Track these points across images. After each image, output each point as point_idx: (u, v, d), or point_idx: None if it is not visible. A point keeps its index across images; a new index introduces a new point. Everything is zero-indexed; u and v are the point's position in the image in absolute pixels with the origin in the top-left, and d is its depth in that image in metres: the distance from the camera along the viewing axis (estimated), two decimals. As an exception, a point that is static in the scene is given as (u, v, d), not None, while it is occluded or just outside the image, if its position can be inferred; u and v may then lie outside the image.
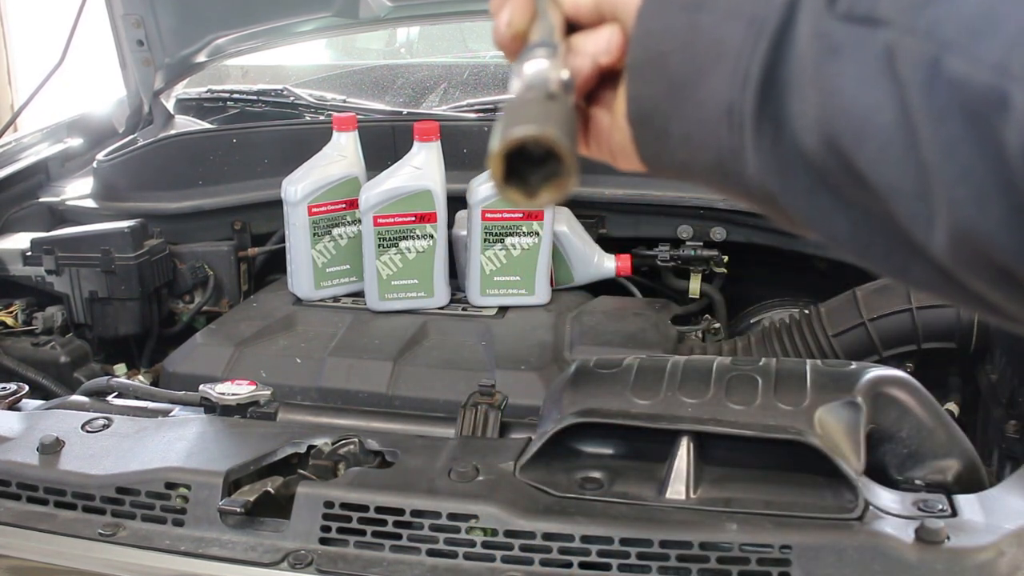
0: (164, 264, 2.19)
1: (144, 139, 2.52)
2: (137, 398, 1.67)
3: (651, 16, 0.67)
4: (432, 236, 1.97)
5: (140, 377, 1.92)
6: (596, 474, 1.26)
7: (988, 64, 0.50)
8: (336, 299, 2.07)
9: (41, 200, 2.43)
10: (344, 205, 2.03)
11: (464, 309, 2.02)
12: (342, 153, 2.04)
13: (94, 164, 2.45)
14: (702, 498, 1.20)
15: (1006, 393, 1.62)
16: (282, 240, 2.19)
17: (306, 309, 2.03)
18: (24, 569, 1.27)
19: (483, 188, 1.96)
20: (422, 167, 1.95)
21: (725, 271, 2.20)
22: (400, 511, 1.20)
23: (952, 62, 0.52)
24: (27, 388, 1.63)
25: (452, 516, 1.19)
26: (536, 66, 0.66)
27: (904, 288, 1.82)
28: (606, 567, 1.13)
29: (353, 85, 3.01)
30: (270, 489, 1.27)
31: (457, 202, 2.03)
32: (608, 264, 2.13)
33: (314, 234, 2.02)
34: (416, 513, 1.20)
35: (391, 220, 1.94)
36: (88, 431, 1.42)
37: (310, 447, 1.35)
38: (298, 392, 1.77)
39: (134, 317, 2.14)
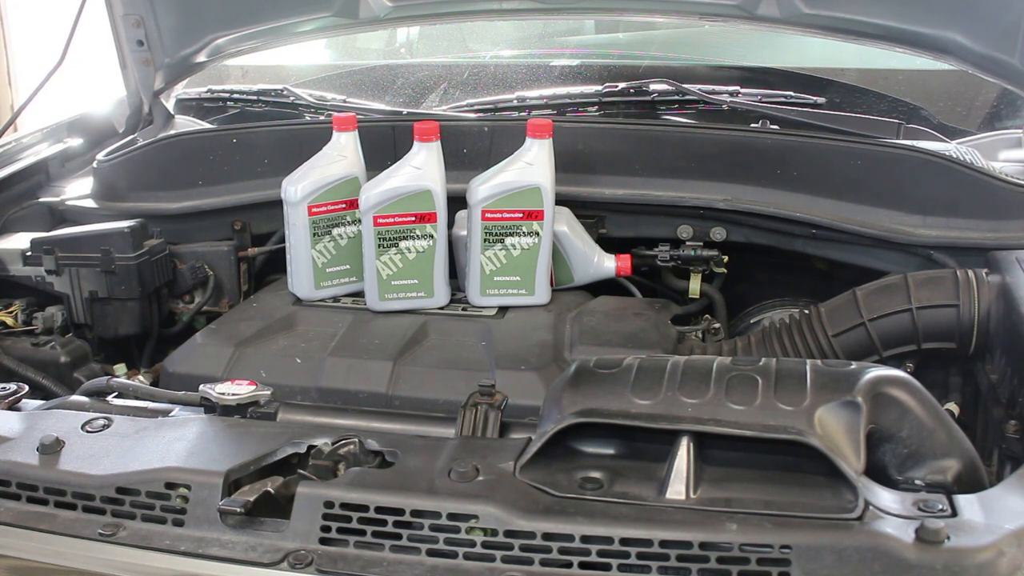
0: (164, 264, 2.20)
1: (144, 139, 2.52)
2: (137, 398, 1.67)
3: None
4: (432, 236, 1.97)
5: (140, 377, 1.92)
6: (596, 474, 1.26)
7: None
8: (336, 299, 2.07)
9: (41, 200, 2.43)
10: (344, 205, 2.03)
11: (464, 309, 2.02)
12: (342, 153, 2.04)
13: (94, 164, 2.45)
14: (702, 498, 1.20)
15: (1006, 393, 1.62)
16: (282, 240, 2.19)
17: (306, 309, 2.03)
18: (24, 569, 1.27)
19: (483, 188, 1.96)
20: (422, 167, 1.95)
21: (725, 271, 2.20)
22: (400, 511, 1.20)
23: None
24: (27, 388, 1.64)
25: (452, 516, 1.19)
26: None
27: (904, 288, 1.82)
28: (606, 567, 1.13)
29: (353, 85, 3.01)
30: (270, 489, 1.27)
31: (457, 202, 2.02)
32: (608, 264, 2.13)
33: (314, 234, 2.02)
34: (416, 513, 1.20)
35: (391, 220, 1.94)
36: (88, 431, 1.42)
37: (310, 447, 1.35)
38: (298, 392, 1.77)
39: (134, 317, 2.14)
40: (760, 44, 3.07)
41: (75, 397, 1.69)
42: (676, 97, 2.55)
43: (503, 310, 2.01)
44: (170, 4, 2.54)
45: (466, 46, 3.33)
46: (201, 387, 1.56)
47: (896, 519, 1.13)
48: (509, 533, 1.17)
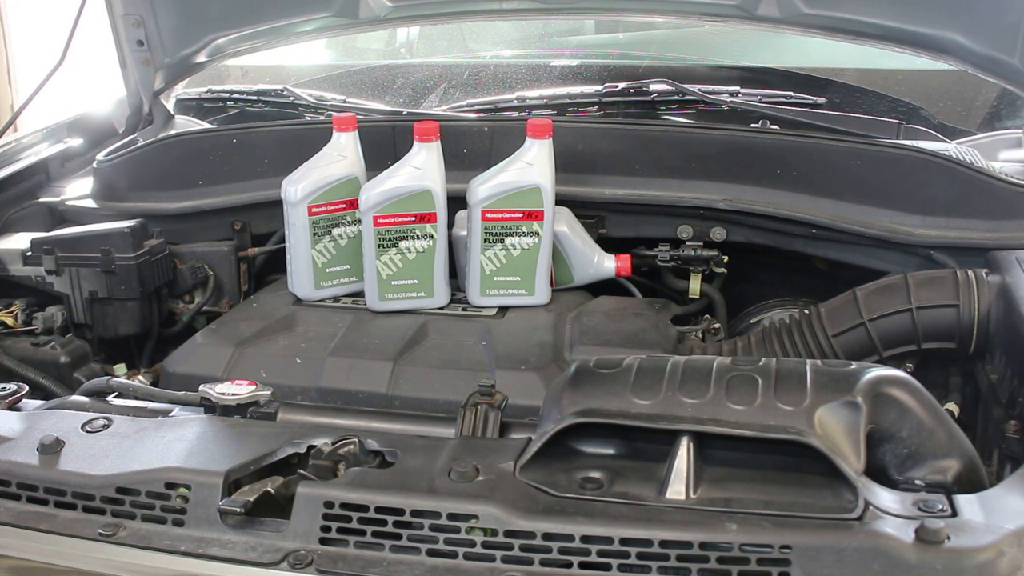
0: (164, 264, 2.20)
1: (144, 139, 2.52)
2: (137, 398, 1.67)
3: None
4: (432, 236, 1.97)
5: (140, 377, 1.92)
6: (596, 474, 1.26)
7: None
8: (336, 299, 2.07)
9: (41, 200, 2.43)
10: (344, 205, 2.03)
11: (464, 309, 2.02)
12: (342, 153, 2.04)
13: (94, 164, 2.45)
14: (702, 498, 1.20)
15: (1006, 393, 1.62)
16: (282, 240, 2.19)
17: (306, 309, 2.03)
18: (24, 569, 1.27)
19: (483, 188, 1.96)
20: (422, 167, 1.95)
21: (725, 271, 2.20)
22: (400, 511, 1.20)
23: None
24: (27, 388, 1.64)
25: (452, 516, 1.19)
26: None
27: (904, 288, 1.82)
28: (606, 567, 1.13)
29: (353, 85, 3.01)
30: (270, 489, 1.27)
31: (457, 202, 2.02)
32: (608, 264, 2.13)
33: (314, 234, 2.02)
34: (416, 513, 1.20)
35: (391, 220, 1.94)
36: (88, 431, 1.42)
37: (310, 447, 1.35)
38: (298, 392, 1.77)
39: (134, 317, 2.14)
40: (760, 44, 3.07)
41: (75, 397, 1.69)
42: (676, 97, 2.55)
43: (503, 310, 2.01)
44: (170, 4, 2.54)
45: (466, 46, 3.33)
46: (201, 387, 1.56)
47: (896, 519, 1.13)
48: (509, 533, 1.17)
